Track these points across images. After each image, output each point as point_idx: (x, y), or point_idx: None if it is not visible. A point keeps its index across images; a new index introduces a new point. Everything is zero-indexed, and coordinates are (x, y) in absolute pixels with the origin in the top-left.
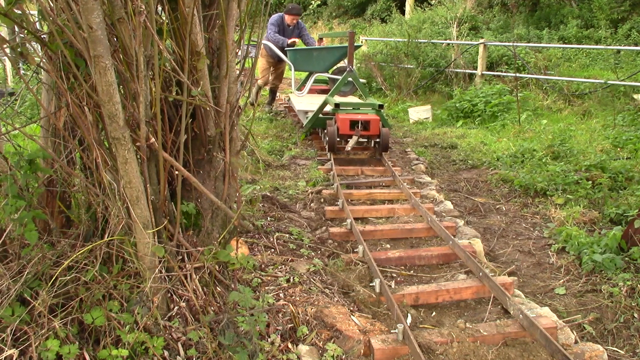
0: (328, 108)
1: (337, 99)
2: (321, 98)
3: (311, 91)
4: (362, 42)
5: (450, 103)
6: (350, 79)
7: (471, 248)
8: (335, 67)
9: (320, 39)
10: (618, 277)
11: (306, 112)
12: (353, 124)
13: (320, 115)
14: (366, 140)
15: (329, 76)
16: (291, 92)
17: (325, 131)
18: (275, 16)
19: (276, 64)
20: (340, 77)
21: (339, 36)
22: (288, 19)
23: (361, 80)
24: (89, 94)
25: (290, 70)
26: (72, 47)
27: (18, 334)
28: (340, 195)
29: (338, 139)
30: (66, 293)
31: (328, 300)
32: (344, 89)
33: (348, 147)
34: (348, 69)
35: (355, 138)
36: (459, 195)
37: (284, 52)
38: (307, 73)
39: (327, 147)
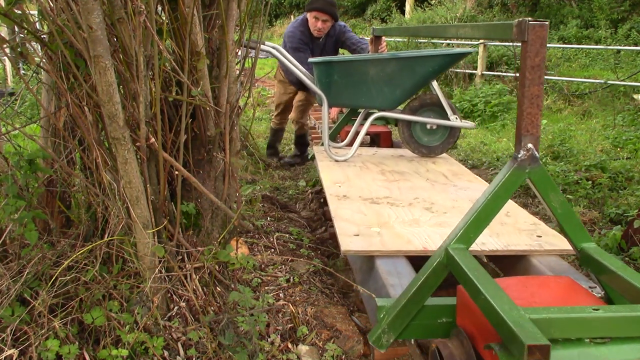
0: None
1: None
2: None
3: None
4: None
5: None
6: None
7: None
8: (414, 99)
9: (378, 39)
10: None
11: (371, 272)
12: None
13: (431, 302)
14: None
15: (396, 116)
16: (327, 145)
17: None
18: (292, 25)
19: (299, 90)
20: (422, 119)
21: (417, 35)
22: (313, 23)
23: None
24: (89, 94)
25: (322, 105)
26: (72, 47)
27: (18, 334)
28: None
29: None
30: (66, 293)
31: (328, 300)
32: (430, 139)
33: None
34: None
35: None
36: None
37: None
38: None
39: None
